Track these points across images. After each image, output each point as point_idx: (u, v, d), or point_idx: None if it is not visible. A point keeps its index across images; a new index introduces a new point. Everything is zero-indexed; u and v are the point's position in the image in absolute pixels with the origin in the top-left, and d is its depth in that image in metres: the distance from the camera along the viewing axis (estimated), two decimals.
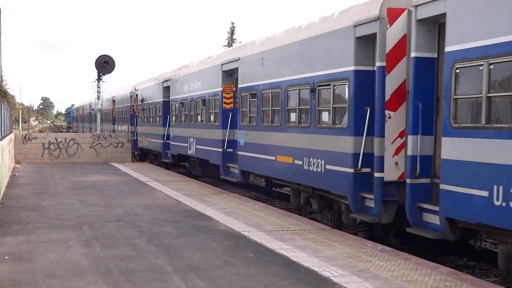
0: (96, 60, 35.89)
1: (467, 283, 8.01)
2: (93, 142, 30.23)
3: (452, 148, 9.62)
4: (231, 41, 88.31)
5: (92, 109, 56.90)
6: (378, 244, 10.78)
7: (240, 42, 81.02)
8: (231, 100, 20.17)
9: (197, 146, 23.25)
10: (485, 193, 8.87)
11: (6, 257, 9.49)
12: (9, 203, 15.66)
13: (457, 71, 9.53)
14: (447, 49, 9.76)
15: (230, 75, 20.13)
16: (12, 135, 28.40)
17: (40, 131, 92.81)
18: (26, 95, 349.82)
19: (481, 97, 8.97)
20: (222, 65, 20.36)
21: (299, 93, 14.51)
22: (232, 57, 19.56)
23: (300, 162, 14.46)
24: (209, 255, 9.61)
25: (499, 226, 8.84)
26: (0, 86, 41.11)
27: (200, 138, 22.85)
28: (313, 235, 11.32)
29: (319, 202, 14.21)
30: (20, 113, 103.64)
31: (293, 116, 14.95)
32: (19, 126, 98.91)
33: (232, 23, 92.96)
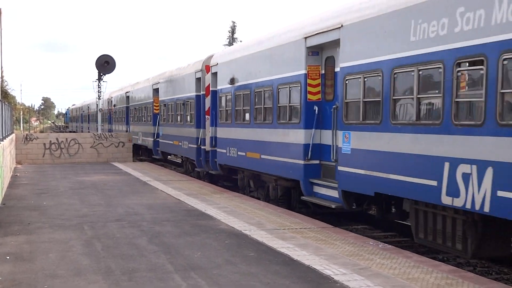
0: (96, 60, 35.84)
1: (468, 280, 8.01)
2: (94, 142, 30.24)
3: (220, 133, 20.51)
4: (232, 40, 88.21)
5: (83, 111, 71.30)
6: (379, 242, 10.78)
7: (241, 41, 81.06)
8: (158, 107, 30.73)
9: (142, 138, 34.32)
10: (224, 151, 19.79)
11: (8, 257, 9.49)
12: (11, 203, 15.67)
13: (220, 97, 20.38)
14: (218, 88, 20.64)
15: (157, 91, 30.74)
16: (13, 135, 28.40)
17: (41, 131, 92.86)
18: (27, 96, 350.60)
19: (222, 110, 20.21)
20: (152, 85, 31.78)
21: (178, 105, 26.03)
22: (157, 81, 31.05)
23: (181, 144, 25.56)
24: (210, 254, 9.61)
25: (229, 164, 19.75)
26: (1, 86, 41.14)
27: (144, 132, 34.09)
28: (314, 233, 11.32)
29: (190, 166, 25.22)
30: (21, 113, 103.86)
31: (178, 118, 26.32)
32: (20, 126, 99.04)
33: (233, 22, 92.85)
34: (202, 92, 22.44)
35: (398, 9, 11.10)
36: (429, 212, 10.67)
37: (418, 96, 10.45)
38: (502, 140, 8.65)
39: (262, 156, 16.75)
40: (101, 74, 36.54)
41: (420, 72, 10.38)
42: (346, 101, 12.61)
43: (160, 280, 8.08)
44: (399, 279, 8.07)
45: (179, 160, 30.68)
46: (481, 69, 9.06)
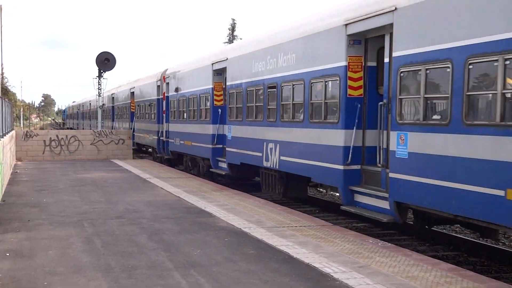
0: (96, 57, 35.76)
1: (467, 279, 8.01)
2: (94, 139, 30.24)
3: (171, 127, 27.03)
4: (232, 38, 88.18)
5: (78, 109, 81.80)
6: (379, 240, 10.79)
7: (241, 39, 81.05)
8: (134, 107, 36.76)
9: None
10: (173, 140, 26.50)
11: (7, 254, 9.50)
12: (11, 200, 15.67)
13: (171, 101, 26.93)
14: (169, 94, 26.98)
15: (133, 94, 37.12)
16: (13, 132, 28.39)
17: (41, 128, 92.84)
18: (28, 92, 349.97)
19: (172, 110, 26.82)
20: (130, 89, 38.25)
21: (146, 106, 32.56)
22: (133, 86, 37.54)
23: (148, 136, 31.94)
24: (210, 252, 9.61)
25: (176, 150, 26.43)
26: (1, 83, 41.13)
27: (124, 127, 40.13)
28: (314, 231, 11.33)
29: (155, 153, 31.17)
30: (21, 110, 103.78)
31: (146, 116, 32.62)
32: (20, 123, 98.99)
33: (233, 20, 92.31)
34: (160, 96, 29.34)
35: (249, 52, 18.31)
36: (265, 172, 17.42)
37: (256, 104, 17.56)
38: (283, 129, 15.74)
39: (193, 143, 23.74)
40: (101, 71, 36.49)
41: (256, 91, 17.50)
42: (229, 106, 19.78)
43: (159, 278, 8.09)
44: (398, 277, 8.07)
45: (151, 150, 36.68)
46: (275, 90, 16.13)
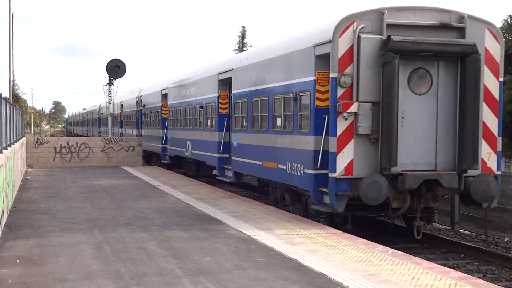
0: (107, 65, 35.96)
1: (478, 287, 7.97)
2: (104, 146, 30.34)
3: (143, 132, 35.84)
4: (241, 45, 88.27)
5: (74, 119, 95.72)
6: (389, 248, 10.75)
7: (251, 46, 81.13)
8: (123, 116, 44.44)
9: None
10: (145, 142, 34.28)
11: (18, 261, 9.54)
12: (21, 206, 15.74)
13: (144, 113, 36.10)
14: (141, 107, 36.65)
15: (122, 106, 45.12)
16: (24, 139, 28.54)
17: (52, 135, 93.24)
18: (38, 99, 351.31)
19: (144, 120, 36.00)
20: (120, 102, 45.24)
21: (130, 115, 40.52)
22: (122, 100, 45.47)
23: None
24: (220, 259, 9.61)
25: (147, 150, 34.16)
26: (12, 90, 41.42)
27: (116, 132, 46.84)
28: (324, 239, 11.31)
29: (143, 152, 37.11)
30: (32, 117, 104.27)
31: (130, 123, 40.42)
32: (31, 130, 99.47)
33: (243, 27, 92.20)
34: (139, 108, 37.13)
35: (186, 84, 26.28)
36: (186, 159, 26.78)
37: (182, 118, 26.28)
38: (197, 131, 24.32)
39: (152, 144, 32.84)
40: (112, 78, 36.65)
41: (186, 107, 25.92)
42: (170, 118, 28.82)
43: (169, 285, 8.09)
44: (408, 286, 8.04)
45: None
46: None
